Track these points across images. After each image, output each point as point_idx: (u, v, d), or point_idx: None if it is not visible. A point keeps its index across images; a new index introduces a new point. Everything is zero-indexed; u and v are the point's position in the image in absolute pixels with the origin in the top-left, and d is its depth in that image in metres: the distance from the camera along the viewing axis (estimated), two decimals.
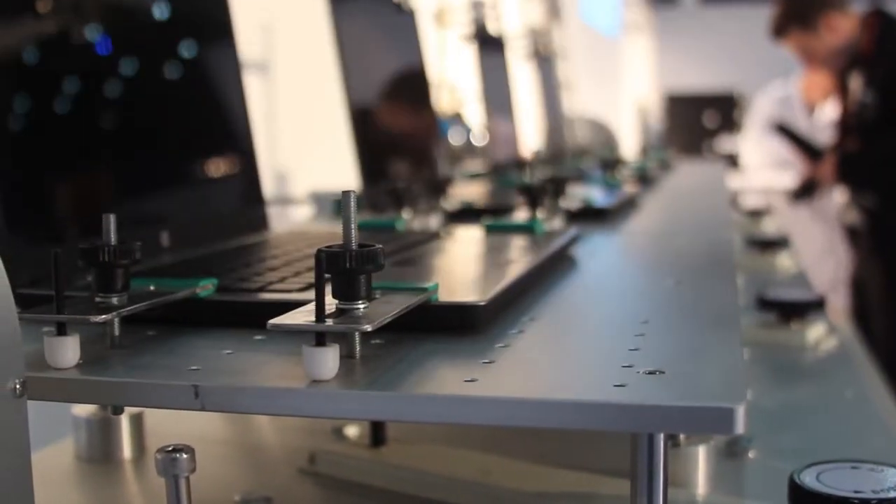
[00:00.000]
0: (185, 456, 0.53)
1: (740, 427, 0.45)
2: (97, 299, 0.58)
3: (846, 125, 3.02)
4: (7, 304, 0.49)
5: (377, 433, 0.83)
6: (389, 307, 0.55)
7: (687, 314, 0.70)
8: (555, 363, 0.57)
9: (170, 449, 0.53)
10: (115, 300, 0.58)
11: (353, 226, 0.54)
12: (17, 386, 0.49)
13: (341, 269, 0.54)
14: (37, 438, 0.52)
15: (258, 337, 0.60)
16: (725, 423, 0.46)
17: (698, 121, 6.90)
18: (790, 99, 4.25)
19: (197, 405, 0.50)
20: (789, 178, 3.65)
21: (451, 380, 0.52)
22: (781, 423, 0.95)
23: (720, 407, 0.46)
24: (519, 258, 0.82)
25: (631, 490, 0.54)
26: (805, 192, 3.31)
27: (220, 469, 0.84)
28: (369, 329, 0.51)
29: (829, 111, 3.92)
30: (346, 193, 0.54)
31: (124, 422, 0.86)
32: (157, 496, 0.60)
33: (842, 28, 2.93)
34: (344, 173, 1.35)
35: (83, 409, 0.87)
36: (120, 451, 0.86)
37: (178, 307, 0.62)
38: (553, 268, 0.84)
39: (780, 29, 3.11)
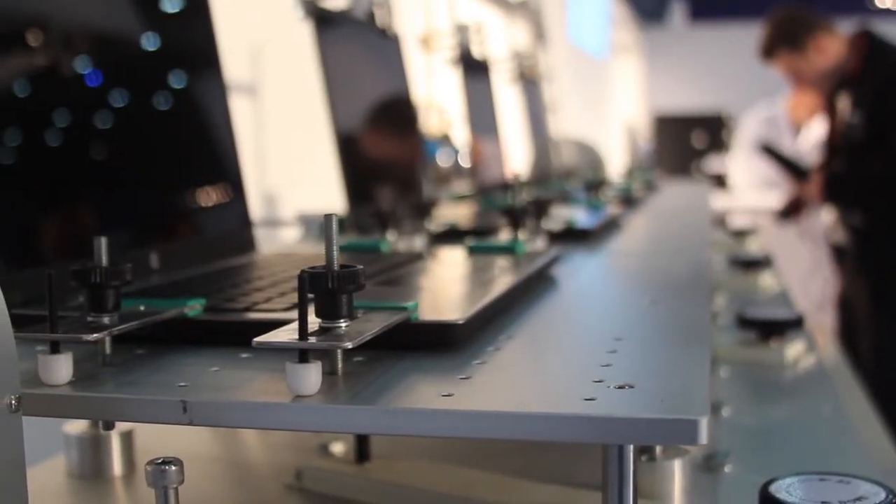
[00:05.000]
0: (173, 468, 0.55)
1: (703, 438, 0.48)
2: (89, 319, 0.60)
3: (833, 145, 3.05)
4: (3, 324, 0.51)
5: (362, 449, 0.85)
6: (370, 325, 0.58)
7: (659, 332, 0.72)
8: (529, 379, 0.59)
9: (159, 461, 0.55)
10: (106, 319, 0.60)
11: (334, 247, 0.56)
12: (13, 402, 0.51)
13: (323, 289, 0.56)
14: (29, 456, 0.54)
15: (244, 355, 0.62)
16: (689, 434, 0.48)
17: (687, 141, 6.95)
18: (776, 119, 4.29)
19: (185, 420, 0.52)
20: (776, 197, 3.67)
21: (429, 395, 0.54)
22: (758, 439, 0.97)
23: (684, 419, 0.48)
24: (498, 278, 0.84)
25: (602, 501, 0.56)
26: (791, 211, 3.33)
27: (209, 485, 0.86)
28: (350, 346, 0.54)
29: (816, 130, 3.95)
30: (327, 216, 0.56)
31: (115, 439, 0.87)
32: None
33: (830, 49, 2.96)
34: (333, 195, 1.37)
35: (74, 427, 0.88)
36: (111, 467, 0.88)
37: (168, 326, 0.64)
38: (533, 287, 0.86)
39: (769, 50, 3.14)
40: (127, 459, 0.88)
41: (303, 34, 1.28)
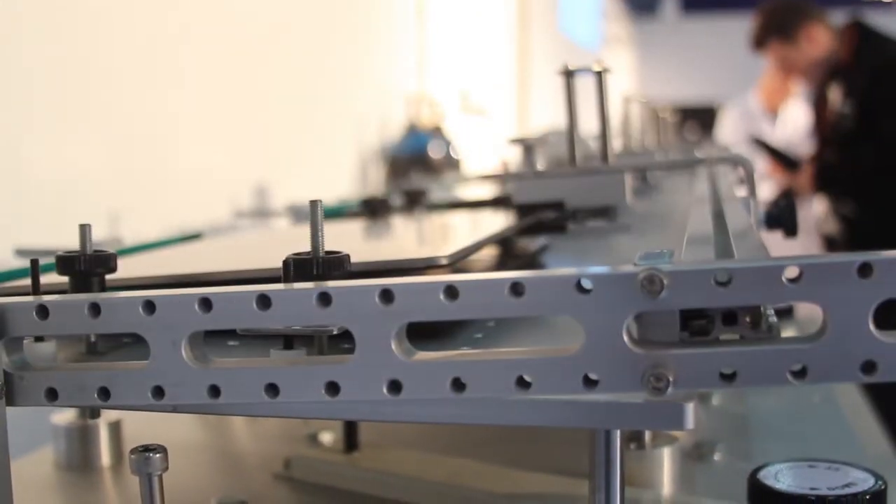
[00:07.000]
0: (157, 455, 0.54)
1: (690, 423, 0.47)
2: None
3: (824, 136, 3.05)
4: None
5: (351, 438, 0.85)
6: None
7: None
8: None
9: (142, 448, 0.55)
10: None
11: (320, 233, 0.56)
12: None
13: (308, 275, 0.55)
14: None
15: (232, 342, 0.61)
16: (676, 419, 0.48)
17: (678, 133, 6.95)
18: (752, 111, 4.30)
19: (168, 406, 0.51)
20: (766, 189, 3.68)
21: None
22: (749, 427, 0.97)
23: (670, 403, 0.48)
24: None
25: (589, 487, 0.56)
26: None
27: (197, 474, 0.86)
28: (335, 332, 0.53)
29: (793, 113, 3.97)
30: (313, 203, 0.56)
31: (103, 429, 0.87)
32: (135, 502, 0.62)
33: (821, 39, 2.96)
34: (323, 188, 1.37)
35: (62, 418, 0.88)
36: (99, 458, 0.88)
37: None
38: None
39: (760, 40, 3.14)
40: (115, 450, 0.88)
41: (294, 39, 1.28)
